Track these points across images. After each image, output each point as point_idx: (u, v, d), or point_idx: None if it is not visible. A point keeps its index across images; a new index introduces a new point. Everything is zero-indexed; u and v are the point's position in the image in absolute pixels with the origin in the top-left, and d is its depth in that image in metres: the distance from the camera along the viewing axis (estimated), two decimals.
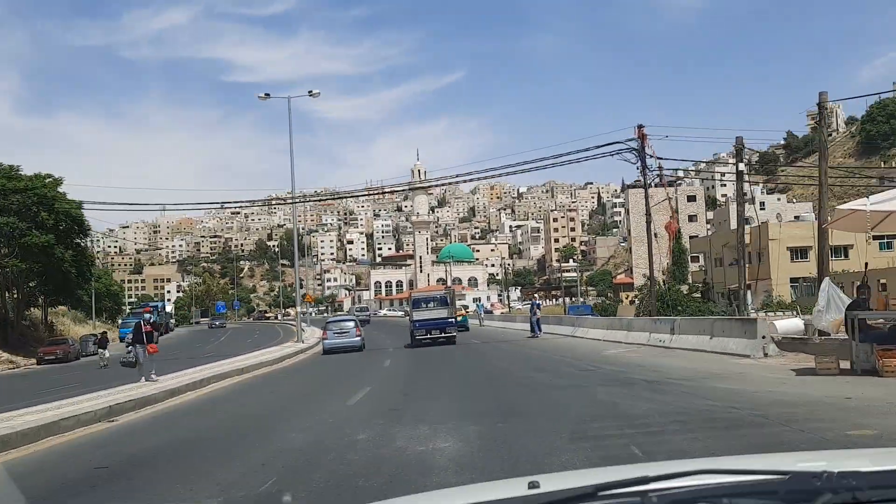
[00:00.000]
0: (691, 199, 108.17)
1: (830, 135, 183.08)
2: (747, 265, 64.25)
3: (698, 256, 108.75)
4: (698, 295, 68.35)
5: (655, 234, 32.34)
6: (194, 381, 19.75)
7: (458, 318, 40.66)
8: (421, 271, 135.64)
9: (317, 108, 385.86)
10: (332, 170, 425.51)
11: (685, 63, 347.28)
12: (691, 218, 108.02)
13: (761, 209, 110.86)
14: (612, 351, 22.64)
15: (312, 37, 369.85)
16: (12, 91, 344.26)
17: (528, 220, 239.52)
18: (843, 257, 54.26)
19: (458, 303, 76.08)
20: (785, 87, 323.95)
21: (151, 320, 22.11)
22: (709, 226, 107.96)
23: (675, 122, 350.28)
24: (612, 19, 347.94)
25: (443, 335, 31.31)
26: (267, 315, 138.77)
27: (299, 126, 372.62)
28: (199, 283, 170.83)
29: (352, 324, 33.75)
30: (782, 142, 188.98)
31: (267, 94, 32.68)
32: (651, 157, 28.94)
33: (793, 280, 57.45)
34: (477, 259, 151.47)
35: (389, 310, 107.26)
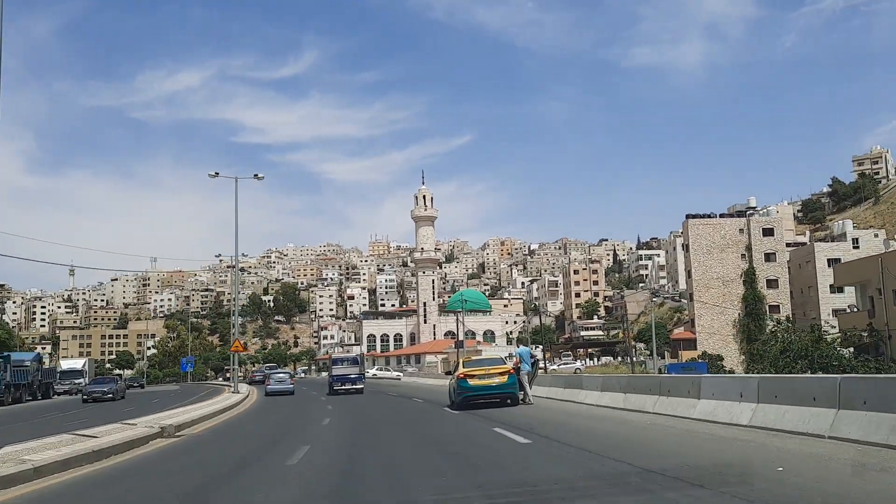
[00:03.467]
0: (767, 232, 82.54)
1: (880, 182, 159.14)
2: None
3: (778, 306, 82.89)
4: (847, 351, 42.72)
5: None
6: None
7: (505, 379, 19.64)
8: (426, 322, 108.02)
9: (325, 170, 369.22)
10: (339, 230, 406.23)
11: (686, 126, 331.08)
12: (768, 257, 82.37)
13: (855, 247, 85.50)
14: None
15: (322, 100, 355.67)
16: (27, 150, 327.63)
17: (540, 276, 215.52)
18: None
19: (500, 357, 51.47)
20: (784, 152, 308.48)
21: None
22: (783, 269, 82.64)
23: (677, 181, 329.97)
24: (615, 86, 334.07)
25: (353, 387, 37.50)
26: (228, 375, 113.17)
27: (308, 187, 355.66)
28: (173, 338, 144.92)
29: (287, 376, 43.20)
30: (826, 189, 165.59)
31: None
32: None
33: None
34: (491, 310, 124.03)
35: (382, 369, 79.44)
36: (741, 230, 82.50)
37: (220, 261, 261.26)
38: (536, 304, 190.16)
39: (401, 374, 72.00)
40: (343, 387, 37.25)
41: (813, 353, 39.07)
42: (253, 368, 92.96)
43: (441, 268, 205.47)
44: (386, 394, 36.98)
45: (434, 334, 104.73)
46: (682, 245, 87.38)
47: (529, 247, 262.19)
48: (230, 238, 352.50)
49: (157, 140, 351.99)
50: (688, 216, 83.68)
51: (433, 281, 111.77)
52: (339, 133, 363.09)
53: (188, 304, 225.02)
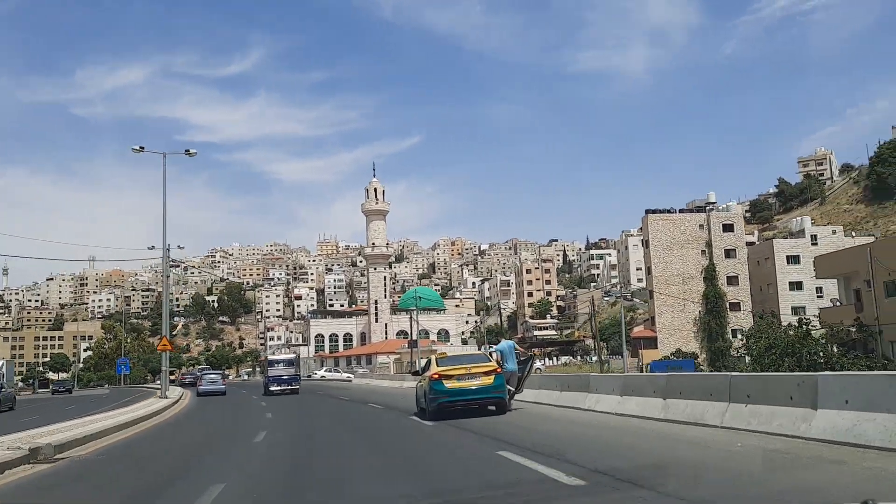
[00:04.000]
0: (727, 228, 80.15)
1: (825, 183, 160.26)
2: None
3: (738, 304, 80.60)
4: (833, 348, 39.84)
5: None
6: None
7: (491, 380, 15.28)
8: (377, 321, 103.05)
9: (273, 170, 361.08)
10: (287, 230, 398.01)
11: (633, 129, 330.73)
12: (728, 253, 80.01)
13: (813, 244, 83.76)
14: None
15: (269, 99, 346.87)
16: None
17: (491, 276, 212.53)
18: None
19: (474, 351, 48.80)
20: (729, 155, 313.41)
21: None
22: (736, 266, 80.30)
23: (625, 183, 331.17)
24: (563, 90, 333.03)
25: (289, 387, 37.98)
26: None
27: (256, 187, 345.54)
28: (110, 339, 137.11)
29: (219, 377, 43.94)
30: (773, 190, 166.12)
31: None
32: None
33: None
34: (446, 309, 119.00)
35: (331, 370, 74.22)
36: (701, 226, 79.98)
37: (163, 260, 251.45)
38: (488, 303, 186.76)
39: (351, 375, 67.21)
40: (279, 387, 37.94)
41: (800, 349, 36.05)
42: (192, 371, 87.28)
43: (391, 267, 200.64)
44: (336, 398, 32.45)
45: (386, 334, 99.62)
46: (642, 241, 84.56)
47: (480, 247, 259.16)
48: (172, 236, 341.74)
49: (98, 137, 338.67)
50: (647, 211, 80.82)
51: (385, 278, 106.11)
52: (286, 133, 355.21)
53: (128, 305, 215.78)
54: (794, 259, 79.56)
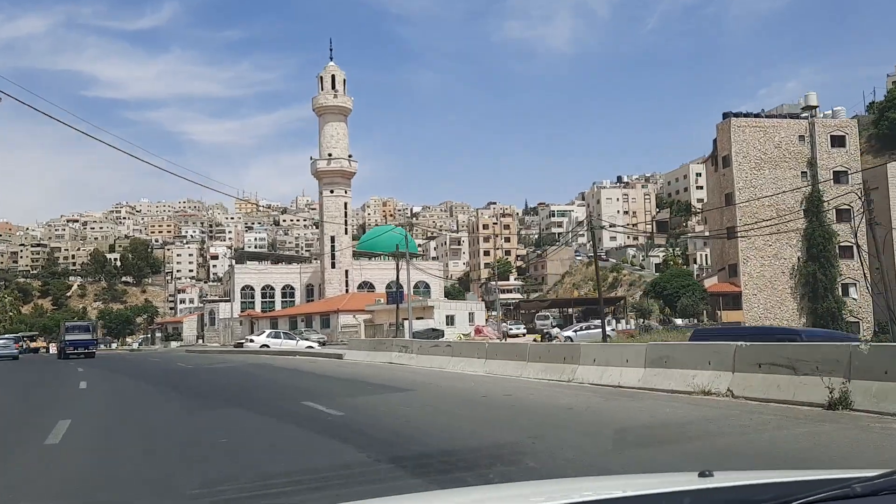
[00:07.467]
0: (837, 142, 54.97)
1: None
2: None
3: (851, 248, 56.02)
4: None
5: None
6: None
7: None
8: (334, 266, 68.27)
9: (186, 130, 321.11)
10: (202, 193, 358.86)
11: (556, 102, 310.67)
12: (838, 177, 54.81)
13: None
14: None
15: (183, 56, 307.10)
16: None
17: (427, 240, 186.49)
18: None
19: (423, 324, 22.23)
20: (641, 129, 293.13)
21: None
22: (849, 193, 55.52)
23: (546, 156, 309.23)
24: (488, 57, 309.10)
25: (85, 351, 39.09)
26: (34, 345, 78.00)
27: (168, 147, 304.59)
28: None
29: (10, 341, 45.01)
30: None
31: None
32: None
33: None
34: (421, 254, 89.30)
35: (278, 335, 41.98)
36: (801, 137, 54.50)
37: None
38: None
39: (313, 343, 37.95)
40: (75, 351, 38.89)
41: None
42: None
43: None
44: None
45: (346, 284, 68.38)
46: (715, 158, 58.04)
47: (412, 209, 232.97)
48: (78, 196, 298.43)
49: None
50: (726, 115, 54.78)
51: (346, 205, 72.18)
52: (201, 92, 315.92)
53: (15, 262, 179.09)
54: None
